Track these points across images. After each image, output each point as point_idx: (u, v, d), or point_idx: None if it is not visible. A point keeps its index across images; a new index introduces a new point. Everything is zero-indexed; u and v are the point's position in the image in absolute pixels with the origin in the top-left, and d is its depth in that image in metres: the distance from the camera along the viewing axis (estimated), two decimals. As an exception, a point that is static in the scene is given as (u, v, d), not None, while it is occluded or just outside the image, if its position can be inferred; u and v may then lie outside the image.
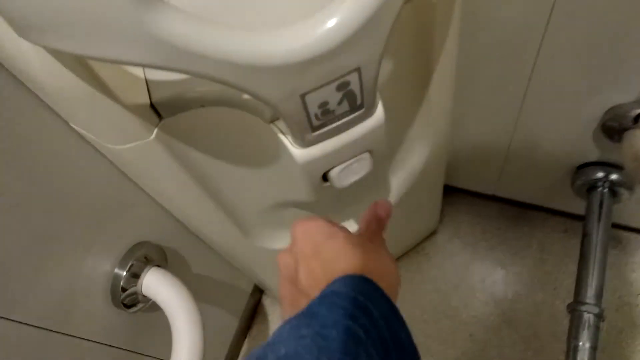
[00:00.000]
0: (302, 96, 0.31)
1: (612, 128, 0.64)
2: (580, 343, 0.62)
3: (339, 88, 0.32)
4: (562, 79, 0.62)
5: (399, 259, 0.99)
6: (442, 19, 0.49)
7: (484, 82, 0.69)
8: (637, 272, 0.88)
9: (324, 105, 0.33)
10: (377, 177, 0.65)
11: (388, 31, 0.30)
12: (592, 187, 0.76)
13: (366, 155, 0.43)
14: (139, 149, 0.43)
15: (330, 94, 0.32)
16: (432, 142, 0.68)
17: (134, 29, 0.25)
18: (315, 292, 0.31)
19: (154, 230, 0.60)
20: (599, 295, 0.65)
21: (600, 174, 0.74)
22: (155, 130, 0.43)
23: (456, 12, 0.50)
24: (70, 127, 0.44)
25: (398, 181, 0.74)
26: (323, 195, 0.49)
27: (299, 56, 0.26)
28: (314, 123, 0.34)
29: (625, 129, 0.63)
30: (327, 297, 0.28)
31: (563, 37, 0.57)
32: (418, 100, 0.60)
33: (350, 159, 0.43)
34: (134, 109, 0.40)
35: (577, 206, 0.83)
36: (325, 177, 0.44)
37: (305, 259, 0.33)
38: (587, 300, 0.65)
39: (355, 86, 0.32)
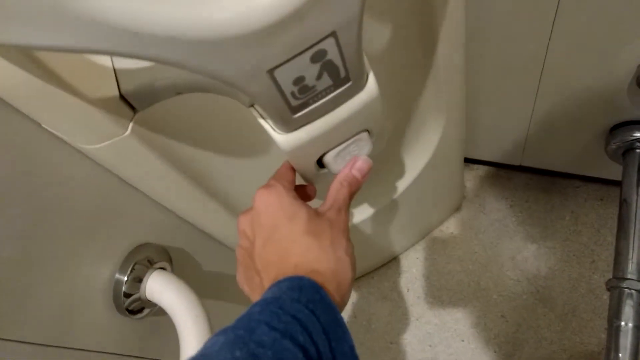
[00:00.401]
0: (270, 72, 0.26)
1: (648, 82, 0.58)
2: (623, 323, 0.56)
3: (313, 59, 0.27)
4: (588, 29, 0.56)
5: (421, 241, 0.94)
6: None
7: (499, 41, 0.63)
8: (683, 238, 0.81)
9: (299, 81, 0.28)
10: (387, 156, 0.60)
11: None
12: (628, 148, 0.69)
13: (364, 135, 0.39)
14: (116, 146, 0.39)
15: (305, 67, 0.27)
16: (446, 111, 0.63)
17: (53, 8, 0.21)
18: (266, 280, 0.32)
19: (155, 230, 0.57)
20: (643, 269, 0.59)
21: (637, 134, 0.67)
22: (131, 125, 0.39)
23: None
24: (43, 129, 0.41)
25: (413, 158, 0.69)
26: (326, 181, 0.45)
27: (251, 24, 0.22)
28: (293, 103, 0.30)
29: (663, 82, 0.57)
30: (270, 304, 0.28)
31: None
32: (425, 66, 0.54)
33: (346, 140, 0.38)
34: (102, 103, 0.36)
35: (614, 171, 0.76)
36: (321, 163, 0.40)
37: (261, 237, 0.34)
38: (628, 276, 0.59)
39: (334, 55, 0.28)
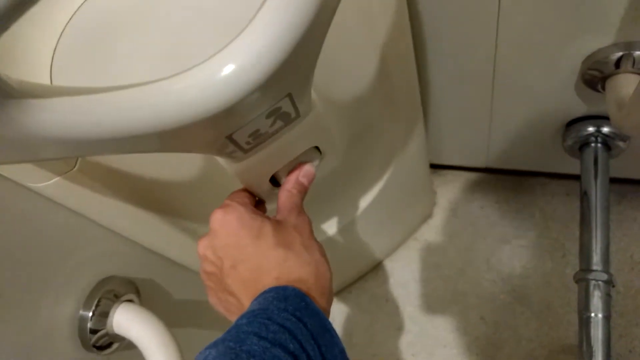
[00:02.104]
0: (229, 136, 0.27)
1: (594, 77, 0.59)
2: (592, 314, 0.57)
3: (269, 115, 0.28)
4: (530, 30, 0.58)
5: (396, 250, 0.94)
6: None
7: (450, 50, 0.64)
8: (647, 226, 0.83)
9: (254, 133, 0.29)
10: (350, 169, 0.61)
11: (317, 55, 0.26)
12: (584, 143, 0.71)
13: (313, 152, 0.39)
14: (65, 183, 0.39)
15: (260, 123, 0.28)
16: (403, 121, 0.64)
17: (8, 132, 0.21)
18: (245, 298, 0.32)
19: (119, 263, 0.57)
20: (606, 260, 0.61)
21: (590, 129, 0.69)
22: (79, 160, 0.39)
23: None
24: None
25: (377, 170, 0.69)
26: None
27: (215, 107, 0.23)
28: (245, 148, 0.30)
29: (608, 76, 0.58)
30: (257, 316, 0.28)
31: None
32: (378, 81, 0.55)
33: (296, 158, 0.38)
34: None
35: (575, 166, 0.78)
36: (274, 181, 0.40)
37: (229, 259, 0.33)
38: (594, 267, 0.60)
39: (287, 107, 0.29)
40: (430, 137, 0.85)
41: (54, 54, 0.40)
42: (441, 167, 0.98)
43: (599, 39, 0.56)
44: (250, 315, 0.28)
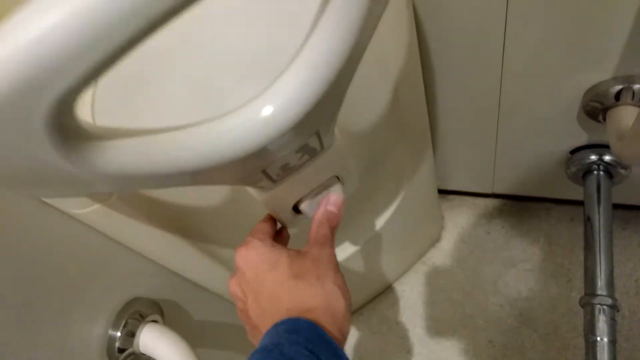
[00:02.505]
0: (263, 170, 0.30)
1: (595, 108, 0.63)
2: (598, 338, 0.59)
3: (298, 150, 0.31)
4: (534, 64, 0.61)
5: (405, 273, 0.97)
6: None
7: (458, 82, 0.68)
8: (651, 250, 0.85)
9: (284, 166, 0.32)
10: (363, 195, 0.64)
11: (344, 96, 0.30)
12: (587, 171, 0.73)
13: (334, 181, 0.42)
14: (103, 210, 0.42)
15: (290, 158, 0.31)
16: (414, 150, 0.67)
17: (79, 172, 0.24)
18: (263, 328, 0.32)
19: (145, 284, 0.59)
20: (610, 284, 0.63)
21: (593, 157, 0.72)
22: (118, 188, 0.42)
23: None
24: (34, 197, 0.44)
25: (388, 196, 0.72)
26: (306, 224, 0.48)
27: (248, 149, 0.26)
28: (275, 179, 0.34)
29: (608, 108, 0.62)
30: (271, 352, 0.28)
31: (524, 27, 0.55)
32: (390, 113, 0.58)
33: (318, 187, 0.41)
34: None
35: (579, 192, 0.81)
36: (297, 209, 0.43)
37: (251, 293, 0.35)
38: (599, 292, 0.62)
39: (314, 142, 0.32)
40: (438, 163, 0.88)
41: (93, 95, 0.44)
42: (449, 193, 1.01)
43: (599, 73, 0.60)
44: (264, 351, 0.29)
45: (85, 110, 0.43)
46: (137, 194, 0.44)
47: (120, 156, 0.25)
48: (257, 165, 0.30)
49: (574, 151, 0.74)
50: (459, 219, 1.00)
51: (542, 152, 0.77)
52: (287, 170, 0.34)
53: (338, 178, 0.43)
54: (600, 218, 0.69)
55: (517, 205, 0.98)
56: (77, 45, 0.16)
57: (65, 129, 0.20)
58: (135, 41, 0.17)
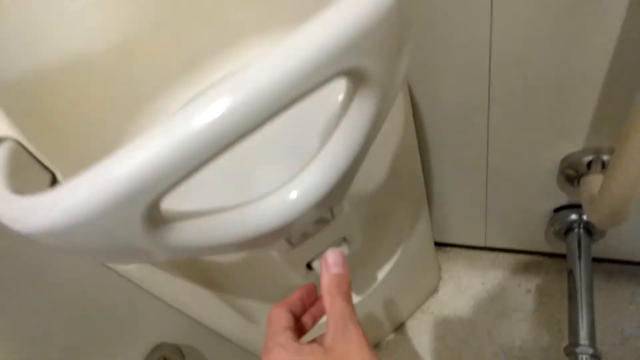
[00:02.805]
0: (287, 240, 0.38)
1: (570, 175, 0.71)
2: (581, 385, 0.65)
3: (316, 223, 0.39)
4: (516, 137, 0.70)
5: (405, 322, 1.02)
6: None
7: (448, 146, 0.77)
8: (634, 303, 0.91)
9: (303, 234, 0.40)
10: (361, 251, 0.71)
11: (353, 178, 0.37)
12: (568, 229, 0.81)
13: (341, 241, 0.50)
14: (143, 267, 0.49)
15: (309, 228, 0.39)
16: (410, 209, 0.75)
17: (155, 249, 0.31)
18: None
19: (170, 330, 0.66)
20: (592, 335, 0.69)
21: (573, 216, 0.80)
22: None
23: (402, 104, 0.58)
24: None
25: (386, 252, 0.79)
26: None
27: (280, 224, 0.34)
28: (294, 243, 0.41)
29: (582, 175, 0.70)
30: None
31: (505, 107, 0.64)
32: (386, 174, 0.66)
33: (326, 247, 0.49)
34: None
35: (564, 247, 0.88)
36: (309, 266, 0.50)
37: None
38: (581, 342, 0.68)
39: (327, 215, 0.40)
40: (435, 218, 0.96)
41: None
42: (445, 245, 1.08)
43: (572, 144, 0.68)
44: None
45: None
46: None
47: (185, 234, 0.32)
48: (283, 235, 0.38)
49: (557, 210, 0.82)
50: (456, 270, 1.06)
51: (529, 210, 0.85)
52: (305, 237, 0.41)
53: (345, 238, 0.51)
54: (581, 272, 0.76)
55: (510, 258, 1.04)
56: (169, 169, 0.24)
57: (154, 218, 0.28)
58: (202, 165, 0.25)
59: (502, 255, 1.05)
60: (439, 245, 1.08)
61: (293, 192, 0.34)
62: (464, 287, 1.04)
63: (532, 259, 1.02)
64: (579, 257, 0.78)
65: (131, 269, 0.51)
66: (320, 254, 0.49)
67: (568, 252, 0.80)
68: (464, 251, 1.08)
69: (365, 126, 0.33)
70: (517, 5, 0.50)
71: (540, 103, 0.63)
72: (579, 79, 0.57)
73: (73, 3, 0.42)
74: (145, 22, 0.47)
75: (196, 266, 0.55)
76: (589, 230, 0.80)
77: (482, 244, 1.00)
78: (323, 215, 0.39)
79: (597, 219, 0.60)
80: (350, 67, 0.26)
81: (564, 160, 0.70)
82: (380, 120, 0.34)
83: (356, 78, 0.28)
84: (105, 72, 0.46)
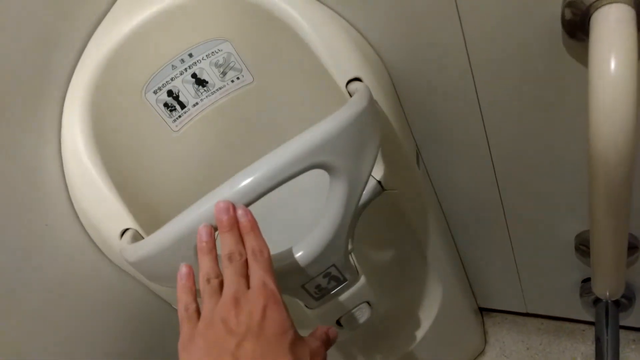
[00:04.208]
0: (302, 285, 0.53)
1: (585, 251, 0.79)
2: None
3: (325, 276, 0.53)
4: (530, 214, 0.79)
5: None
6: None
7: (473, 229, 0.88)
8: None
9: (318, 286, 0.54)
10: (397, 314, 0.83)
11: (345, 243, 0.52)
12: (596, 299, 0.87)
13: (364, 305, 0.63)
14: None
15: (320, 280, 0.53)
16: (441, 279, 0.86)
17: None
18: None
19: None
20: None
21: (600, 287, 0.86)
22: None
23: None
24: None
25: (422, 315, 0.90)
26: (353, 335, 0.67)
27: (293, 267, 0.48)
28: (315, 296, 0.56)
29: (596, 250, 0.78)
30: None
31: (514, 190, 0.76)
32: (409, 248, 0.79)
33: (353, 308, 0.62)
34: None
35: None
36: (339, 323, 0.64)
37: None
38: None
39: (335, 272, 0.54)
40: (475, 285, 1.05)
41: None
42: (492, 310, 1.15)
43: (582, 223, 0.77)
44: None
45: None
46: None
47: None
48: (297, 280, 0.51)
49: (585, 280, 0.89)
50: (501, 335, 1.12)
51: (559, 280, 0.92)
52: (322, 290, 0.55)
53: (368, 303, 0.64)
54: (608, 339, 0.82)
55: (554, 324, 1.09)
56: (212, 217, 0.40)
57: None
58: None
59: (547, 321, 1.10)
60: (485, 310, 1.15)
61: (300, 253, 0.49)
62: (509, 351, 1.09)
63: (577, 327, 1.06)
64: (606, 326, 0.83)
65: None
66: (346, 314, 0.63)
67: (596, 321, 0.85)
68: (509, 317, 1.14)
69: (339, 205, 0.47)
70: (504, 104, 0.61)
71: (545, 187, 0.73)
72: (572, 164, 0.67)
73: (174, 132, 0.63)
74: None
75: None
76: (616, 301, 0.85)
77: (523, 310, 1.07)
78: (331, 272, 0.53)
79: (597, 293, 0.68)
80: (318, 163, 0.42)
81: (577, 237, 0.79)
82: (353, 200, 0.47)
83: (325, 169, 0.44)
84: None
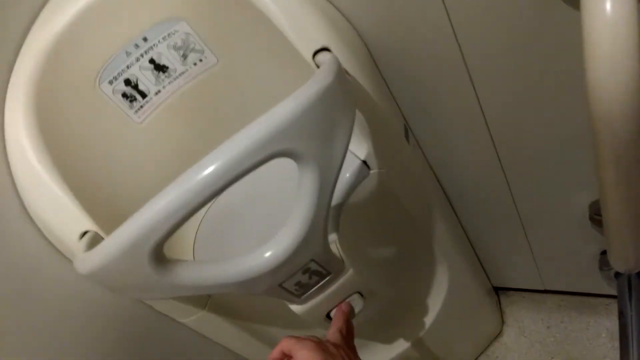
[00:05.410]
0: (280, 285, 0.48)
1: (599, 220, 0.72)
2: None
3: (304, 272, 0.48)
4: (538, 187, 0.73)
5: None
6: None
7: (481, 207, 0.81)
8: None
9: (298, 283, 0.49)
10: (405, 298, 0.78)
11: (322, 238, 0.46)
12: (617, 271, 0.80)
13: (356, 296, 0.58)
14: (200, 318, 0.62)
15: (300, 277, 0.48)
16: (446, 260, 0.80)
17: (161, 286, 0.43)
18: None
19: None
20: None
21: (620, 258, 0.79)
22: (208, 303, 0.62)
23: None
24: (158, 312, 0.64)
25: (431, 298, 0.85)
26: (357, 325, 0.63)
27: (261, 271, 0.43)
28: (297, 293, 0.51)
29: (613, 219, 0.71)
30: None
31: (518, 164, 0.69)
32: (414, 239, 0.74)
33: (343, 301, 0.57)
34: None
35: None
36: (328, 316, 0.59)
37: None
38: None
39: (316, 267, 0.49)
40: (485, 263, 0.99)
41: (196, 235, 0.66)
42: (506, 289, 1.09)
43: (592, 192, 0.70)
44: None
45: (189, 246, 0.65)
46: (223, 306, 0.63)
47: (186, 275, 0.43)
48: (274, 281, 0.46)
49: (604, 252, 0.82)
50: (519, 314, 1.06)
51: (576, 253, 0.85)
52: (303, 287, 0.50)
53: (360, 293, 0.59)
54: (632, 314, 0.75)
55: (576, 300, 1.02)
56: (165, 220, 0.35)
57: (159, 258, 0.38)
58: (186, 219, 0.36)
59: (568, 297, 1.04)
60: (501, 289, 1.09)
61: (268, 252, 0.43)
62: (528, 331, 1.04)
63: (600, 302, 1.00)
64: (630, 298, 0.77)
65: (196, 323, 0.64)
66: (334, 306, 0.58)
67: (619, 293, 0.79)
68: (527, 295, 1.08)
69: (311, 195, 0.41)
70: (494, 63, 0.54)
71: (551, 154, 0.66)
72: (578, 125, 0.60)
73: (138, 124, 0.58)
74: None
75: (248, 318, 0.67)
76: None
77: (540, 287, 1.00)
78: (310, 267, 0.48)
79: (614, 266, 0.61)
80: (279, 151, 0.36)
81: (591, 206, 0.72)
82: (327, 187, 0.42)
83: (290, 157, 0.38)
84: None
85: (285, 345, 0.48)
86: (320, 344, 0.48)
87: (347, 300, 0.58)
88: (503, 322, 1.06)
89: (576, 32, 0.41)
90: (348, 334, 0.54)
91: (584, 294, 1.01)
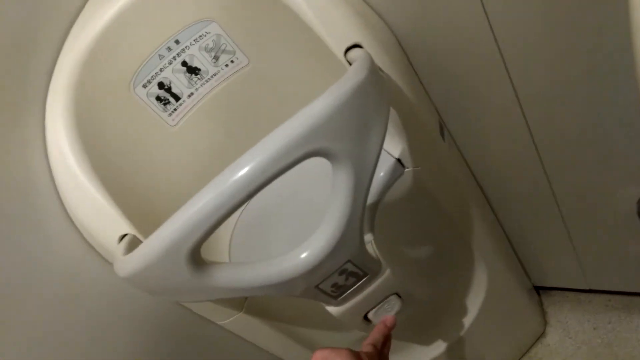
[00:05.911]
0: (316, 286, 0.47)
1: (648, 216, 0.69)
2: None
3: (340, 273, 0.47)
4: (579, 181, 0.70)
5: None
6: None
7: (513, 203, 0.79)
8: None
9: (335, 285, 0.48)
10: (440, 298, 0.76)
11: (358, 238, 0.45)
12: (669, 269, 0.76)
13: (393, 297, 0.57)
14: (237, 321, 0.62)
15: (336, 278, 0.47)
16: (483, 259, 0.78)
17: (199, 289, 0.43)
18: None
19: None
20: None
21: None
22: (245, 305, 0.62)
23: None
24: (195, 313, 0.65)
25: (470, 298, 0.83)
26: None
27: (298, 272, 0.43)
28: (333, 295, 0.50)
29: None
30: None
31: (556, 157, 0.66)
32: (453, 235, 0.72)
33: (380, 302, 0.56)
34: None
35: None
36: (367, 318, 0.58)
37: None
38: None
39: (352, 268, 0.48)
40: (527, 263, 0.96)
41: (231, 237, 0.66)
42: (548, 289, 1.05)
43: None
44: None
45: (225, 248, 0.65)
46: (259, 308, 0.63)
47: (222, 277, 0.42)
48: (308, 283, 0.46)
49: (655, 247, 0.78)
50: (563, 314, 1.03)
51: (623, 250, 0.81)
52: (340, 288, 0.49)
53: (397, 294, 0.58)
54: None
55: (623, 300, 0.98)
56: (202, 223, 0.35)
57: (196, 260, 0.38)
58: (222, 221, 0.36)
59: (615, 297, 0.99)
60: (542, 289, 1.06)
61: (304, 253, 0.43)
62: (573, 332, 1.00)
63: (650, 301, 0.95)
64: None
65: (233, 325, 0.64)
66: (374, 309, 0.57)
67: (670, 295, 0.75)
68: (570, 294, 1.04)
69: (346, 195, 0.40)
70: (532, 55, 0.52)
71: (595, 148, 0.64)
72: (623, 116, 0.57)
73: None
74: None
75: (284, 320, 0.67)
76: (693, 269, 0.74)
77: (585, 287, 0.96)
78: (347, 268, 0.47)
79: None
80: (312, 151, 0.36)
81: None
82: (362, 187, 0.41)
83: (324, 157, 0.37)
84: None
85: (320, 355, 0.48)
86: (355, 354, 0.48)
87: (383, 302, 0.57)
88: (546, 322, 1.03)
89: (622, 10, 0.39)
90: (384, 346, 0.54)
91: (632, 294, 0.96)
